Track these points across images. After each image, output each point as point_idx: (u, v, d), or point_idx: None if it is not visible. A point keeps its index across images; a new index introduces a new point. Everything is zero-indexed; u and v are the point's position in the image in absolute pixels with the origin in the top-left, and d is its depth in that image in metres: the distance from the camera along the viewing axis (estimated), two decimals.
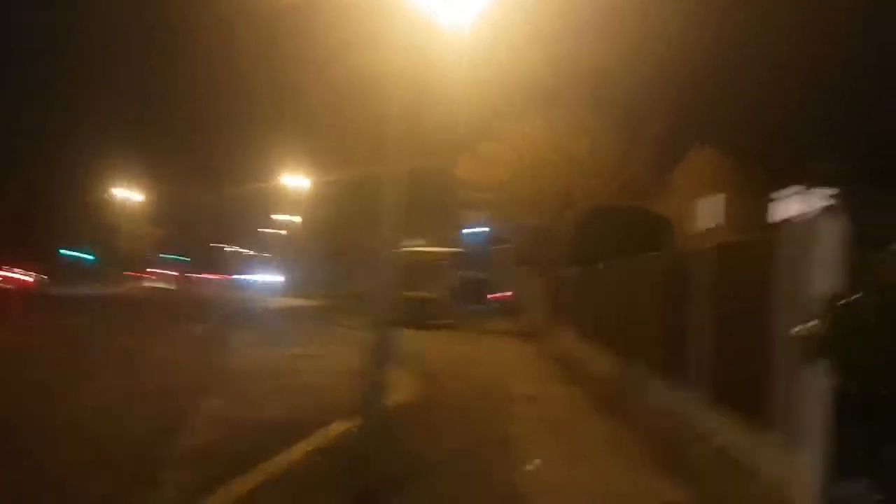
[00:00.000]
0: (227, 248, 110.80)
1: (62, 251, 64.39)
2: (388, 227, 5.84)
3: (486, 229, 32.65)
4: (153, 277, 74.00)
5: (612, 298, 12.28)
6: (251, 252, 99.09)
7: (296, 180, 62.89)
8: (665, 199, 27.38)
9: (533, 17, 24.97)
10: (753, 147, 28.39)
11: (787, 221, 6.75)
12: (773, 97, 28.63)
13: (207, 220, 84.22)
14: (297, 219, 68.71)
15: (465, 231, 32.51)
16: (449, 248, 26.04)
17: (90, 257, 67.32)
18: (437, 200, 27.38)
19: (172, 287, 70.55)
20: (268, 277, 79.51)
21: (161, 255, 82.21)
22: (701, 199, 30.19)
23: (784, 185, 27.66)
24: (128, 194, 68.98)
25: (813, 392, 5.11)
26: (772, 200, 28.32)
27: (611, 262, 12.50)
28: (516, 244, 28.90)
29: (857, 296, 4.88)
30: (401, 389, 10.46)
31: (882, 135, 25.93)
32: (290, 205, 69.19)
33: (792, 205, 27.84)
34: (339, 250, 43.35)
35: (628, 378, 10.48)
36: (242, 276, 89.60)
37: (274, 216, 74.01)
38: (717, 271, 7.41)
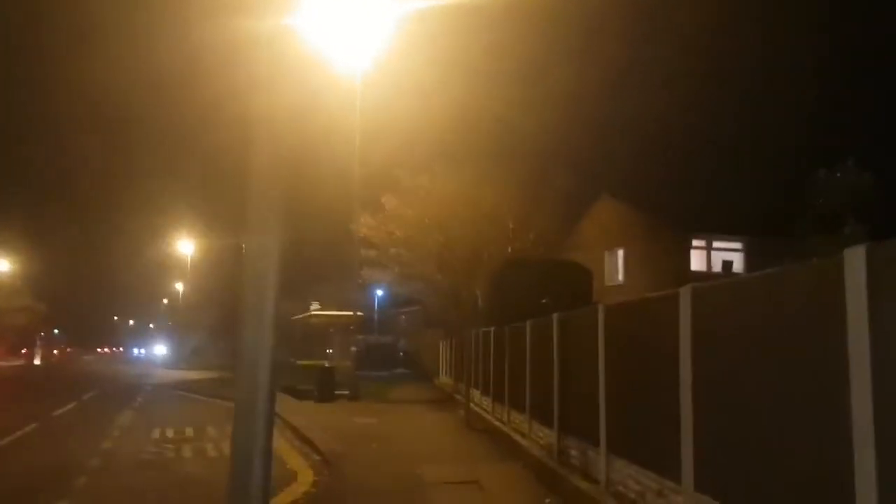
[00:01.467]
0: (116, 320, 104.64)
1: None
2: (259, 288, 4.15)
3: (390, 290, 30.95)
4: (30, 353, 67.86)
5: (538, 360, 10.77)
6: (144, 323, 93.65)
7: (184, 246, 59.77)
8: (573, 252, 26.67)
9: (431, 66, 24.12)
10: (657, 199, 28.30)
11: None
12: (675, 151, 28.79)
13: (95, 291, 78.82)
14: (181, 287, 65.18)
15: (367, 292, 30.66)
16: (350, 311, 24.10)
17: None
18: (336, 260, 25.59)
19: (49, 362, 64.87)
20: (156, 349, 74.70)
21: (45, 332, 76.02)
22: (607, 252, 29.71)
23: (687, 236, 27.53)
24: (3, 265, 63.85)
25: None
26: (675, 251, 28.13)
27: (533, 320, 11.02)
28: (424, 305, 27.26)
29: None
30: (293, 480, 8.56)
31: (779, 185, 26.32)
32: (179, 272, 65.66)
33: (695, 256, 27.74)
34: (228, 319, 40.98)
35: (570, 451, 8.93)
36: (131, 349, 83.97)
37: (174, 285, 70.36)
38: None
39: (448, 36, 22.62)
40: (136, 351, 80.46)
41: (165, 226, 55.37)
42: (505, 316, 13.61)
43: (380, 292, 34.24)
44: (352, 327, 24.90)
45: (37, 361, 64.06)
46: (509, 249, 22.13)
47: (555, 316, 9.44)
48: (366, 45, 21.55)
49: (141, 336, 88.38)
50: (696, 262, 27.23)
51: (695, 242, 27.23)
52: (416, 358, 29.61)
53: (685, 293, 5.82)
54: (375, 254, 23.94)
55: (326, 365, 23.16)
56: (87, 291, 75.71)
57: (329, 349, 24.48)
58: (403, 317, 30.79)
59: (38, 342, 70.29)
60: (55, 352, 72.28)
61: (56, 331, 78.18)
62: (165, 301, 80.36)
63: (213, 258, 50.73)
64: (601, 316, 7.79)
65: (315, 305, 27.78)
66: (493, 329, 14.20)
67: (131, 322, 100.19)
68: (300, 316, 27.88)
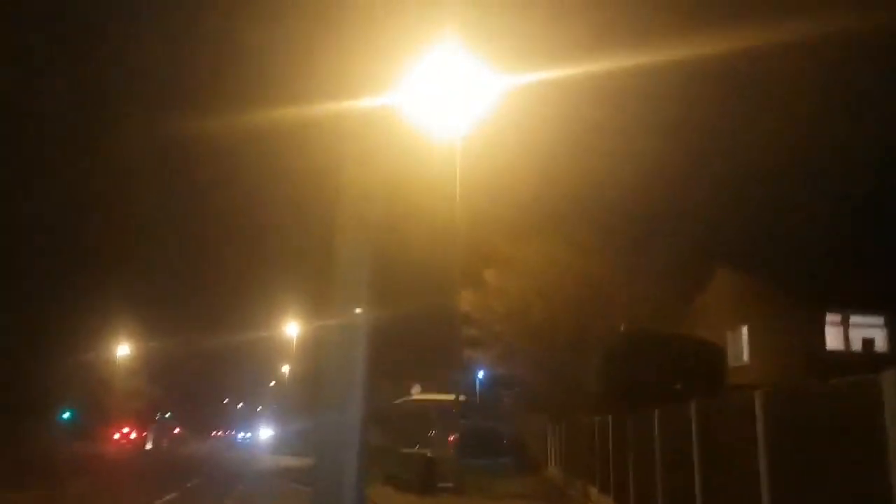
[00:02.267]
0: (226, 402, 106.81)
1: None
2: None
3: (493, 371, 29.37)
4: (143, 435, 69.72)
5: (671, 455, 8.98)
6: (252, 406, 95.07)
7: (291, 328, 60.35)
8: (690, 329, 24.40)
9: (532, 137, 23.22)
10: (784, 269, 25.79)
11: None
12: (801, 214, 26.44)
13: (207, 374, 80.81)
14: (287, 369, 65.57)
15: (469, 373, 29.16)
16: (452, 393, 22.70)
17: (68, 414, 63.53)
18: (438, 339, 24.41)
19: (160, 446, 66.20)
20: (262, 433, 75.07)
21: (159, 413, 78.24)
22: (730, 329, 27.14)
23: (820, 311, 24.73)
24: (121, 349, 66.46)
25: None
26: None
27: (663, 409, 9.28)
28: (528, 386, 25.48)
29: None
30: None
31: None
32: (287, 355, 66.37)
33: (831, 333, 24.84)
34: None
35: None
36: (238, 432, 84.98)
37: (281, 367, 71.26)
38: None
39: (550, 107, 21.81)
40: (241, 435, 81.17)
41: (273, 307, 56.18)
42: (623, 399, 11.87)
43: (481, 373, 32.66)
44: (454, 412, 23.44)
45: (148, 446, 65.54)
46: (622, 325, 20.35)
47: (693, 405, 7.79)
48: (466, 117, 21.01)
49: (249, 419, 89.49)
50: (832, 339, 24.32)
51: (829, 318, 24.40)
52: (521, 445, 27.63)
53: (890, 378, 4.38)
54: (477, 332, 22.66)
55: (428, 454, 21.68)
56: (200, 374, 77.48)
57: (431, 436, 22.99)
58: (507, 399, 29.00)
59: (150, 426, 72.14)
60: (166, 436, 73.90)
61: (168, 414, 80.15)
62: (273, 383, 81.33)
63: (316, 339, 50.75)
64: (759, 404, 6.15)
65: (416, 388, 26.52)
66: (610, 418, 12.45)
67: (240, 405, 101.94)
68: (401, 400, 26.68)
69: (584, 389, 17.54)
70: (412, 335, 26.83)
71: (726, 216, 26.22)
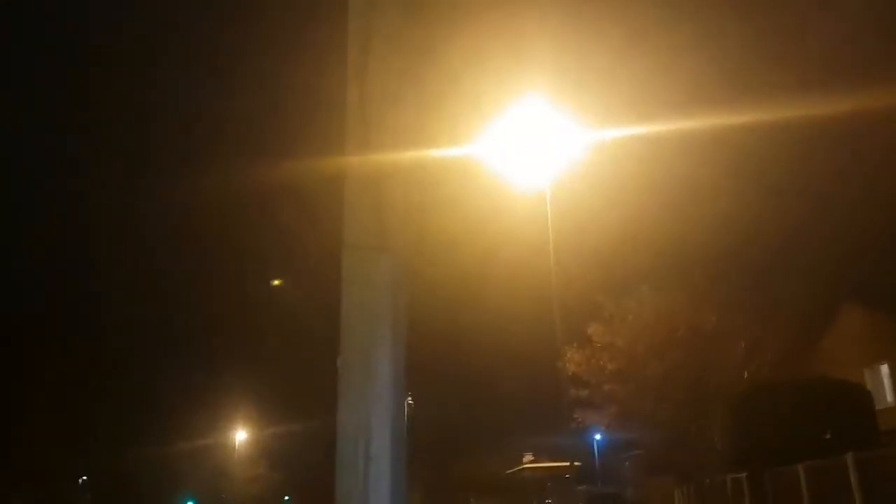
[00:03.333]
0: None
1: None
2: None
3: (609, 434, 27.97)
4: None
5: None
6: None
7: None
8: (819, 372, 22.46)
9: (623, 187, 22.57)
10: None
11: None
12: None
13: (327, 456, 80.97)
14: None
15: (584, 438, 27.88)
16: (565, 460, 21.62)
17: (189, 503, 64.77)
18: (544, 404, 23.50)
19: None
20: None
21: (285, 498, 78.62)
22: (867, 369, 24.87)
23: None
24: (239, 434, 67.77)
25: None
26: None
27: (810, 463, 8.27)
28: (646, 448, 24.02)
29: None
30: None
31: None
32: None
33: None
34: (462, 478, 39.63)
35: None
36: None
37: None
38: None
39: (639, 157, 21.16)
40: None
41: None
42: (756, 455, 10.78)
43: (598, 437, 31.25)
44: (568, 477, 22.31)
45: None
46: (745, 374, 18.91)
47: (850, 456, 6.85)
48: (554, 167, 20.62)
49: None
50: None
51: None
52: None
53: None
54: (587, 393, 21.56)
55: None
56: (318, 457, 77.64)
57: None
58: (627, 463, 27.52)
59: None
60: None
61: (287, 497, 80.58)
62: None
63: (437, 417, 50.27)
64: None
65: (528, 457, 25.49)
66: (745, 477, 11.31)
67: None
68: (513, 470, 25.70)
69: (710, 447, 16.22)
70: (518, 402, 25.99)
71: (848, 249, 24.41)
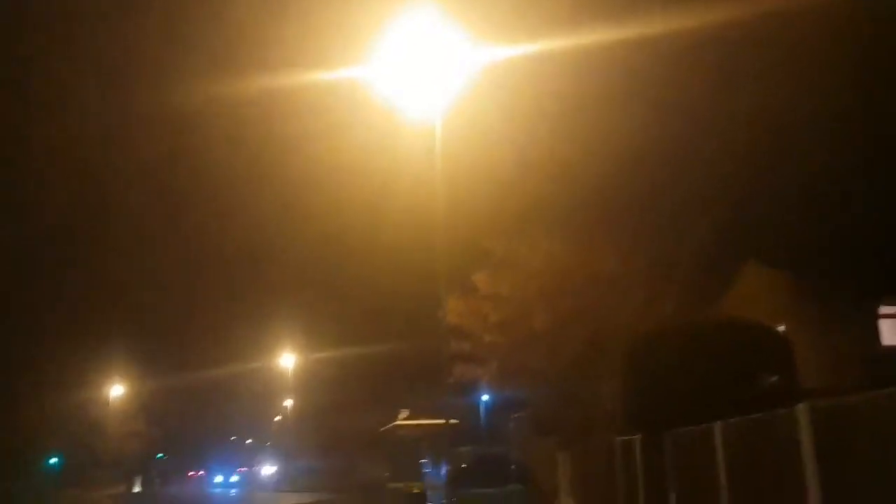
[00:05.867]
0: (233, 440, 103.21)
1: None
2: None
3: (494, 392, 26.00)
4: (129, 480, 66.19)
5: (751, 484, 5.71)
6: (252, 442, 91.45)
7: (288, 359, 57.11)
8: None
9: (513, 118, 20.08)
10: (824, 260, 22.40)
11: None
12: (835, 195, 23.06)
13: (201, 410, 77.22)
14: (289, 403, 62.50)
15: (468, 396, 25.75)
16: (443, 418, 19.45)
17: (55, 460, 59.69)
18: (424, 357, 21.17)
19: (152, 489, 62.92)
20: (264, 469, 71.60)
21: (157, 456, 74.62)
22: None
23: (872, 303, 21.38)
24: (114, 389, 63.31)
25: None
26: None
27: (735, 420, 6.07)
28: (533, 407, 22.04)
29: None
30: None
31: None
32: (286, 388, 63.16)
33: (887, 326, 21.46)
34: (338, 436, 37.58)
35: None
36: (235, 470, 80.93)
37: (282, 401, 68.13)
38: None
39: (534, 84, 18.85)
40: (241, 472, 77.06)
41: (272, 339, 52.98)
42: (655, 416, 8.62)
43: (486, 396, 29.28)
44: (447, 437, 20.15)
45: (136, 489, 62.19)
46: (643, 327, 17.02)
47: (801, 409, 4.60)
48: (444, 93, 18.09)
49: (253, 456, 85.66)
50: (889, 334, 20.93)
51: (883, 310, 21.03)
52: (530, 472, 24.27)
53: None
54: (469, 346, 19.34)
55: (416, 491, 18.43)
56: (199, 412, 73.80)
57: (422, 467, 19.69)
58: (512, 423, 25.65)
59: (147, 468, 68.83)
60: (158, 478, 70.38)
61: (161, 455, 76.47)
62: (278, 418, 77.67)
63: (318, 371, 47.96)
64: None
65: (404, 413, 23.22)
66: (639, 439, 9.19)
67: (248, 441, 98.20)
68: (386, 427, 23.46)
69: (602, 407, 14.19)
70: (396, 354, 23.69)
71: (750, 202, 22.89)
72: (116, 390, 62.99)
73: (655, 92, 20.00)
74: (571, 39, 16.74)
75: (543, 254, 17.55)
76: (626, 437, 11.13)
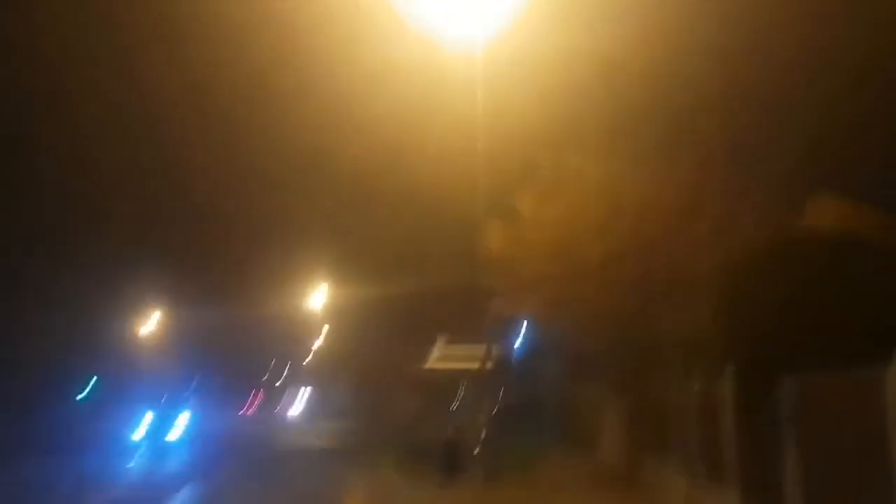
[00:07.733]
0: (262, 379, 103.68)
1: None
2: None
3: (533, 329, 24.12)
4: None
5: None
6: (276, 381, 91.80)
7: (317, 295, 55.97)
8: None
9: (573, 33, 17.82)
10: None
11: None
12: None
13: (225, 346, 77.24)
14: (318, 341, 61.80)
15: (505, 332, 23.87)
16: (481, 359, 17.75)
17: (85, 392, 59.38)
18: (458, 292, 19.35)
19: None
20: (289, 407, 71.29)
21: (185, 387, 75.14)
22: None
23: None
24: (150, 319, 63.36)
25: None
26: None
27: None
28: (579, 345, 20.11)
29: None
30: None
31: None
32: (312, 325, 62.34)
33: None
34: (367, 373, 36.65)
35: None
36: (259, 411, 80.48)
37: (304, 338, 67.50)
38: None
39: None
40: (267, 411, 76.90)
41: (297, 277, 51.82)
42: (766, 355, 6.56)
43: (524, 337, 27.40)
44: (485, 380, 18.50)
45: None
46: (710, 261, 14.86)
47: None
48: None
49: (278, 394, 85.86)
50: None
51: None
52: (569, 418, 22.73)
53: None
54: (511, 279, 17.36)
55: (450, 434, 16.91)
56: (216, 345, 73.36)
57: (457, 410, 18.14)
58: (554, 365, 23.86)
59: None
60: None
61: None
62: (309, 356, 76.99)
63: (346, 308, 46.91)
64: None
65: (436, 353, 21.58)
66: (733, 384, 7.10)
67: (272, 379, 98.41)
68: (418, 369, 22.00)
69: (675, 347, 12.15)
70: (433, 290, 22.01)
71: (834, 129, 20.29)
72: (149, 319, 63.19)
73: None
74: None
75: (597, 170, 15.42)
76: (704, 385, 9.15)
